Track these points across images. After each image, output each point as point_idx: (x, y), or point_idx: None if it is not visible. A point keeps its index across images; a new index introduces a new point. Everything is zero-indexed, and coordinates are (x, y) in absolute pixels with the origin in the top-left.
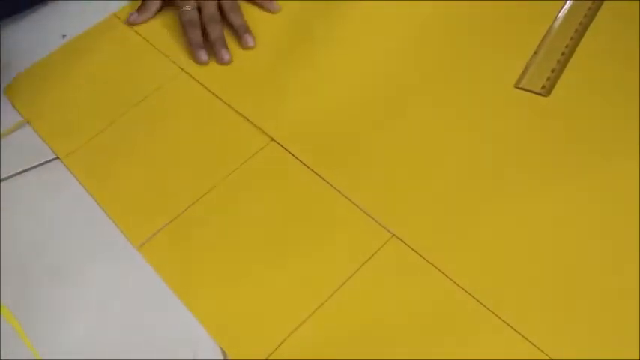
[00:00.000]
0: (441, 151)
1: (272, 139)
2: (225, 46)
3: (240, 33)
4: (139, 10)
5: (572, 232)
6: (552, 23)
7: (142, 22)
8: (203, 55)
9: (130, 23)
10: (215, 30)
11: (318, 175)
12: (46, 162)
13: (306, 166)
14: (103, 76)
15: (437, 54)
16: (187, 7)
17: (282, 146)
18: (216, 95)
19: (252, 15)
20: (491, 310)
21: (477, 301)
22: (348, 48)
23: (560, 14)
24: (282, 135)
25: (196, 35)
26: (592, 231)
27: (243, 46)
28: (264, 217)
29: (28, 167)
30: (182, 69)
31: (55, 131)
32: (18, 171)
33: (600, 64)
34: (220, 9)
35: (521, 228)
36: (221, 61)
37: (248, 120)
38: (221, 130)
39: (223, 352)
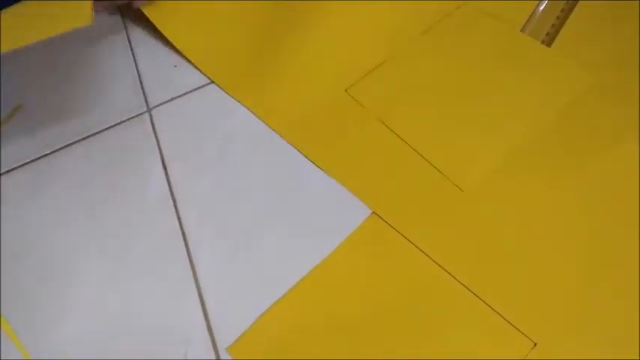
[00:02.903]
0: (423, 124)
1: None
2: None
3: None
4: None
5: (559, 215)
6: None
7: None
8: None
9: None
10: None
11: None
12: (39, 157)
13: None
14: None
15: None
16: None
17: None
18: None
19: None
20: (474, 293)
21: (458, 281)
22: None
23: None
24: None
25: None
26: (580, 213)
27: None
28: None
29: (21, 163)
30: None
31: None
32: (11, 167)
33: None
34: None
35: (509, 209)
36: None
37: None
38: None
39: (216, 352)
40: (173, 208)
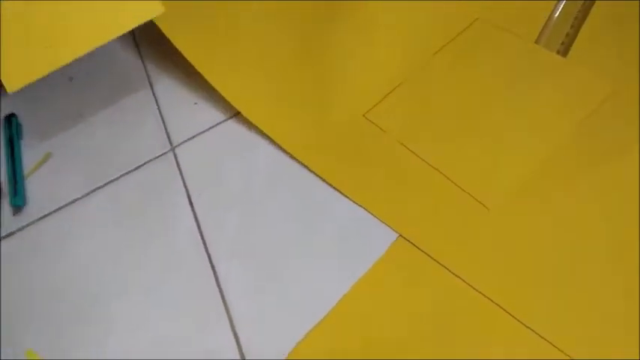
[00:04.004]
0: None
1: None
2: None
3: None
4: None
5: (586, 228)
6: None
7: None
8: None
9: None
10: None
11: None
12: (70, 203)
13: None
14: None
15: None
16: None
17: None
18: None
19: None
20: (506, 310)
21: (490, 300)
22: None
23: None
24: None
25: None
26: (607, 226)
27: None
28: None
29: (54, 209)
30: None
31: None
32: (44, 213)
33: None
34: None
35: (536, 224)
36: None
37: None
38: None
39: None
40: (201, 243)
